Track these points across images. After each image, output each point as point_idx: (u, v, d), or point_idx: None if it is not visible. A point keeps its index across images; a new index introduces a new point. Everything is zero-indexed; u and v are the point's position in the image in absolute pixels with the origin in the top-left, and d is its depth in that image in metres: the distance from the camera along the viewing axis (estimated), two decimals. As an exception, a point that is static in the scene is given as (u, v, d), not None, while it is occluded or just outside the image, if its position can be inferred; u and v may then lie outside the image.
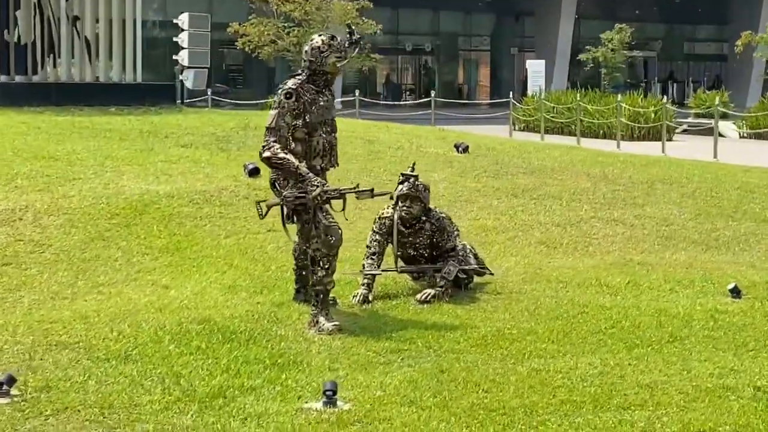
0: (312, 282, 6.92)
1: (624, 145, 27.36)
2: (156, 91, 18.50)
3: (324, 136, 7.14)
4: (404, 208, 7.91)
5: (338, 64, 7.08)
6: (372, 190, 7.08)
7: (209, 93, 32.89)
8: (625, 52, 33.80)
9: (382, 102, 50.10)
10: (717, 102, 26.76)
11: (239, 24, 35.31)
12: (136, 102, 16.98)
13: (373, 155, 13.96)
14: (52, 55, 17.43)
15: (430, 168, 13.23)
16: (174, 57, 25.10)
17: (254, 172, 11.62)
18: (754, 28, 36.41)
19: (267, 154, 6.83)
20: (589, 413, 5.30)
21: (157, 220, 10.15)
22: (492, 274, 8.50)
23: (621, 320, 7.29)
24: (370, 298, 7.70)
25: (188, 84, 23.61)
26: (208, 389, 5.55)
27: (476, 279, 8.41)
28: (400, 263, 8.11)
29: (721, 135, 30.47)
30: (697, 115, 35.01)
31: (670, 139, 29.61)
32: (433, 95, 32.31)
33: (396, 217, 7.93)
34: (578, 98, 28.69)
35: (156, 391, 5.53)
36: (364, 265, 7.91)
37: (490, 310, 7.58)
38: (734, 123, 32.70)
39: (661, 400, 5.51)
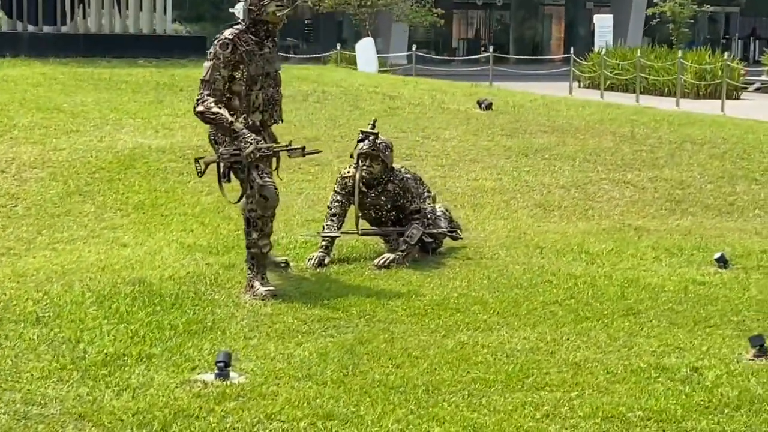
0: (246, 244, 6.58)
1: (685, 104, 26.48)
2: (187, 42, 18.25)
3: (265, 89, 6.74)
4: (364, 167, 7.51)
5: (278, 13, 6.66)
6: (303, 148, 6.67)
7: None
8: (694, 6, 32.51)
9: (457, 58, 49.76)
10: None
11: (299, -24, 35.00)
12: (165, 54, 16.76)
13: (390, 111, 13.55)
14: (81, 5, 17.27)
15: (443, 125, 12.80)
16: (230, 10, 24.88)
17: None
18: None
19: (200, 108, 6.47)
20: (496, 393, 4.89)
21: (141, 175, 9.92)
22: (461, 238, 8.06)
23: (583, 291, 6.82)
24: (326, 261, 7.34)
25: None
26: (101, 357, 5.25)
27: (451, 243, 8.00)
28: (363, 225, 7.73)
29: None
30: (773, 74, 33.76)
31: (737, 98, 28.67)
32: (491, 51, 31.54)
33: (357, 176, 7.53)
34: (638, 54, 27.77)
35: (45, 357, 5.25)
36: (323, 226, 7.55)
37: (450, 276, 7.15)
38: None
39: (582, 380, 5.07)
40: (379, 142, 7.52)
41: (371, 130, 7.53)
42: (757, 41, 54.43)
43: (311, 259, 7.32)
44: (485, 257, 7.77)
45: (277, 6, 6.65)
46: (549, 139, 12.61)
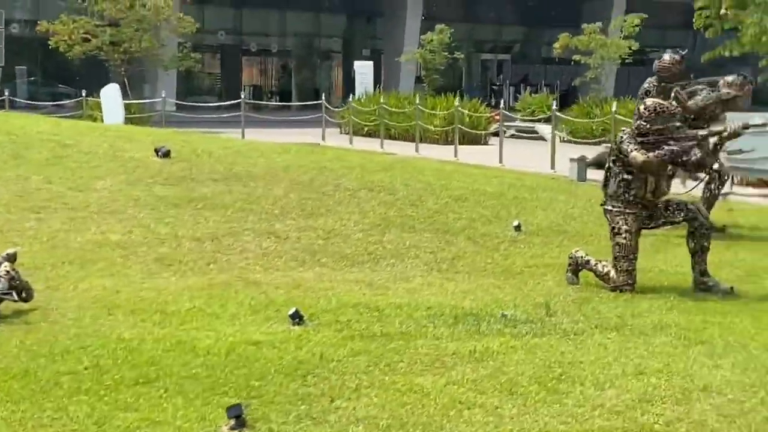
0: None
1: (427, 149, 26.74)
2: None
3: None
4: None
5: None
6: None
7: (6, 93, 31.34)
8: (446, 53, 32.98)
9: (223, 104, 49.09)
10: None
11: (48, 22, 33.81)
12: None
13: (54, 161, 12.82)
14: None
15: (102, 174, 12.20)
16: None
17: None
18: (604, 32, 36.02)
19: None
20: None
21: None
22: (16, 300, 7.39)
23: (119, 355, 6.23)
24: None
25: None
26: None
27: (19, 306, 7.32)
28: None
29: (544, 139, 30.02)
30: (525, 120, 34.55)
31: (485, 143, 29.14)
32: (243, 97, 31.14)
33: None
34: (381, 101, 27.93)
35: None
36: None
37: (-16, 344, 6.47)
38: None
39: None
40: None
41: None
42: (528, 87, 56.08)
43: None
44: (47, 321, 7.13)
45: None
46: (215, 188, 12.13)
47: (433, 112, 28.42)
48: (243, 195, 11.85)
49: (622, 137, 8.69)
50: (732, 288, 8.68)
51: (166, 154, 13.49)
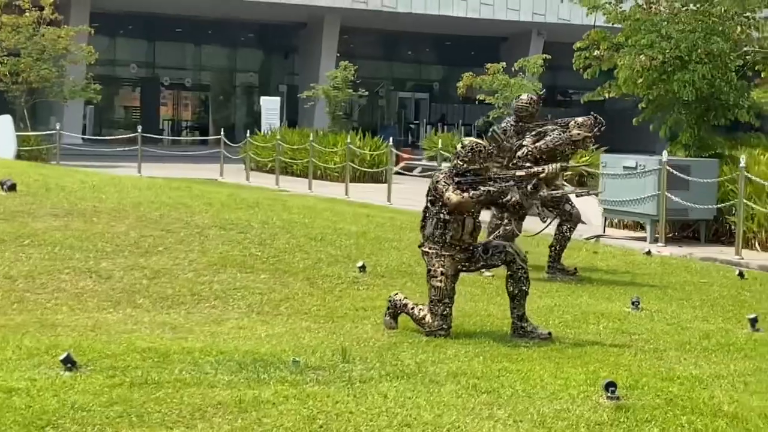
0: None
1: (320, 185, 26.51)
2: None
3: None
4: None
5: None
6: None
7: None
8: (350, 90, 32.78)
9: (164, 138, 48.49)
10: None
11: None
12: None
13: None
14: None
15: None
16: None
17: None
18: (508, 72, 36.13)
19: None
20: None
21: None
22: None
23: None
24: None
25: None
26: None
27: None
28: None
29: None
30: (431, 158, 34.45)
31: (384, 182, 28.95)
32: (140, 131, 30.60)
33: None
34: (277, 137, 27.67)
35: None
36: None
37: None
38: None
39: None
40: None
41: None
42: (446, 126, 56.11)
43: None
44: None
45: None
46: (51, 224, 11.63)
47: (333, 149, 28.17)
48: (78, 232, 11.39)
49: (438, 177, 8.43)
50: (550, 333, 8.44)
51: (12, 188, 12.99)
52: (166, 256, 10.90)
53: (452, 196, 8.21)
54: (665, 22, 16.03)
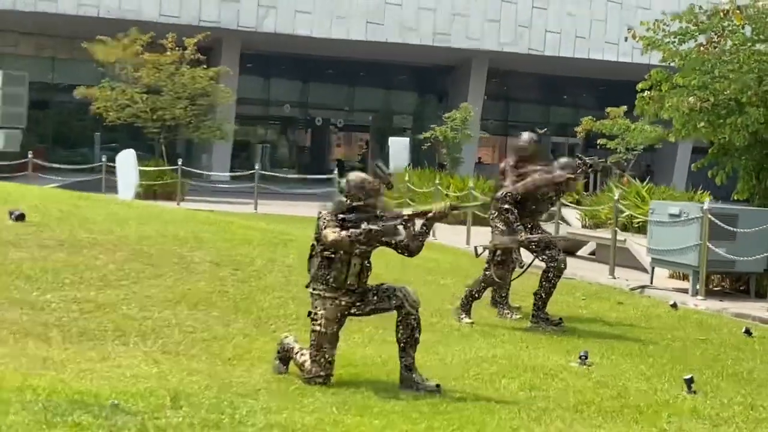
0: None
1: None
2: None
3: None
4: None
5: None
6: None
7: (30, 155, 31.87)
8: (468, 132, 32.26)
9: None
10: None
11: (86, 87, 34.33)
12: None
13: None
14: None
15: None
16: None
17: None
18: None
19: None
20: None
21: None
22: None
23: None
24: None
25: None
26: None
27: None
28: None
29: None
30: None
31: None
32: (257, 168, 30.85)
33: None
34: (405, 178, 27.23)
35: None
36: None
37: None
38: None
39: None
40: None
41: None
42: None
43: None
44: None
45: None
46: (32, 254, 11.60)
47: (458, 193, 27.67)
48: (50, 263, 11.33)
49: (321, 212, 7.94)
50: (438, 386, 7.79)
51: (20, 218, 13.16)
52: (124, 290, 10.73)
53: (329, 233, 7.71)
54: (719, 62, 14.85)
